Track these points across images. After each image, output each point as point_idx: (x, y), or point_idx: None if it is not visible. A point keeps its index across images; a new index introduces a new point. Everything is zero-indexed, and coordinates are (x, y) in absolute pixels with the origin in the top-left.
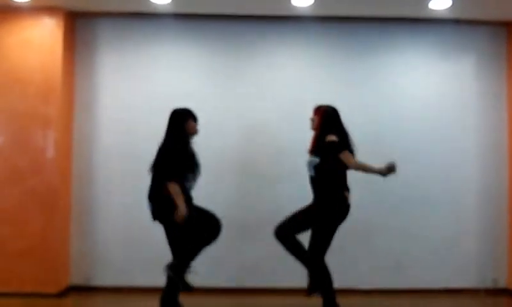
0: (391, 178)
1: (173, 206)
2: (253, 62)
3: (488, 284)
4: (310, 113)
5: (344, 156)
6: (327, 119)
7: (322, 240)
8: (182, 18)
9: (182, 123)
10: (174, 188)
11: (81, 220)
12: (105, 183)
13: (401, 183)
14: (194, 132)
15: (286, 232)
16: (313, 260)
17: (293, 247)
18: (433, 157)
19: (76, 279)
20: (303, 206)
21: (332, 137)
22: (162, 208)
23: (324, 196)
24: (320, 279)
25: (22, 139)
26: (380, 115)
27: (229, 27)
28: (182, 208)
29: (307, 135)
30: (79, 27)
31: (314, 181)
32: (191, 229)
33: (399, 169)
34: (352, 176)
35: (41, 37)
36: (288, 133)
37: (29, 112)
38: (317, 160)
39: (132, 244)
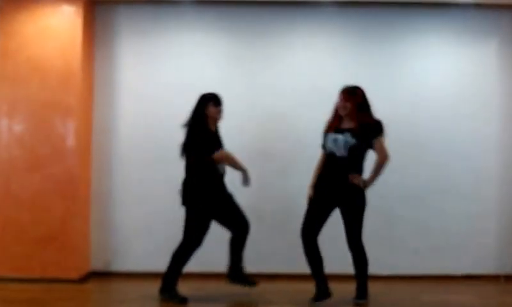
0: (412, 164)
1: (198, 191)
2: (272, 49)
3: (508, 270)
4: (328, 100)
5: (381, 142)
6: (366, 100)
7: (361, 222)
8: (202, 5)
9: (201, 107)
10: (222, 155)
11: (101, 207)
12: (125, 171)
13: (421, 170)
14: (214, 116)
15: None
16: (358, 244)
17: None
18: (453, 144)
19: (96, 265)
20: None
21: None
22: (188, 191)
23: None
24: (363, 261)
25: (42, 127)
26: (399, 101)
27: (248, 13)
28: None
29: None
30: (98, 14)
31: (341, 161)
32: (209, 220)
33: (419, 155)
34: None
35: (61, 25)
36: (307, 121)
37: (49, 100)
38: (353, 141)
39: (151, 230)
